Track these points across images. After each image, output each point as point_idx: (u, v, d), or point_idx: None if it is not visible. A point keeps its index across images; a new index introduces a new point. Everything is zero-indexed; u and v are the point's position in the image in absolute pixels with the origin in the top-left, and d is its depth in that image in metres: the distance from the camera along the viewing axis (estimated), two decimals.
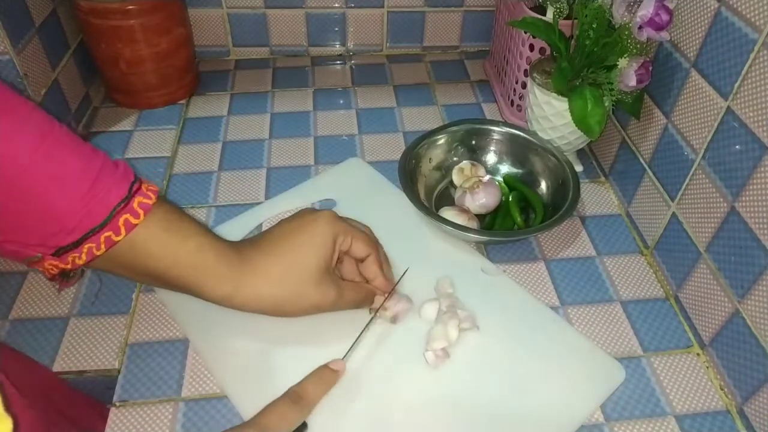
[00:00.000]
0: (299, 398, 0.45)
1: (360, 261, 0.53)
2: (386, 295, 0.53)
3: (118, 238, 0.44)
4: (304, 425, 0.46)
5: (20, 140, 0.41)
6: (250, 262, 0.48)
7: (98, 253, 0.44)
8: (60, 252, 0.43)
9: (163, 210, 0.46)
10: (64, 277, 0.46)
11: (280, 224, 0.51)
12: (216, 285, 0.47)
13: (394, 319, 0.54)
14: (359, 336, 0.51)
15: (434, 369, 0.51)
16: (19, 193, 0.41)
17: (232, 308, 0.48)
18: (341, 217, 0.52)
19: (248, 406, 0.47)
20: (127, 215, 0.44)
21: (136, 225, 0.44)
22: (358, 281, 0.54)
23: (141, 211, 0.44)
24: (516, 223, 0.63)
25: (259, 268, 0.48)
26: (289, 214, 0.53)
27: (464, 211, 0.62)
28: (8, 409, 0.32)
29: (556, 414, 0.48)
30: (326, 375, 0.48)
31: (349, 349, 0.50)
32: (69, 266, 0.45)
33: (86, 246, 0.43)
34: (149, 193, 0.45)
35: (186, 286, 0.47)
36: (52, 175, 0.42)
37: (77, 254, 0.43)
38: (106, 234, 0.43)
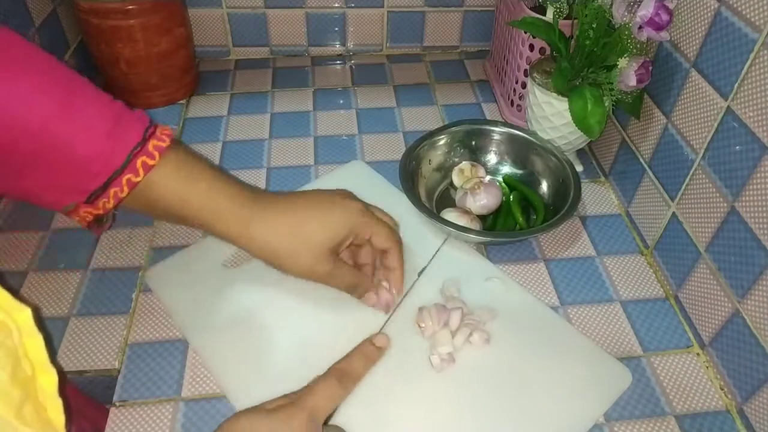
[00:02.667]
0: (344, 376, 0.46)
1: (382, 252, 0.54)
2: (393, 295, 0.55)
3: (138, 179, 0.46)
4: None
5: (46, 94, 0.43)
6: (262, 211, 0.49)
7: (123, 196, 0.46)
8: (92, 197, 0.45)
9: (178, 152, 0.48)
10: (98, 223, 0.48)
11: (311, 191, 0.53)
12: (224, 226, 0.48)
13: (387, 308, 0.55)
14: (392, 313, 0.54)
15: (439, 373, 0.50)
16: (48, 140, 0.43)
17: (239, 246, 0.50)
18: (369, 210, 0.53)
19: (247, 405, 0.48)
20: (144, 157, 0.46)
21: (153, 166, 0.46)
22: (359, 266, 0.55)
23: (156, 153, 0.46)
24: (518, 223, 0.63)
25: (268, 218, 0.49)
26: None
27: (466, 212, 0.62)
28: (53, 361, 0.33)
29: (562, 418, 0.48)
30: (371, 352, 0.49)
31: (384, 324, 0.53)
32: (101, 211, 0.47)
33: (112, 190, 0.45)
34: (163, 136, 0.47)
35: (200, 224, 0.49)
36: (77, 123, 0.44)
37: (106, 199, 0.46)
38: (127, 176, 0.45)
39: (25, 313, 0.32)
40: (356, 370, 0.48)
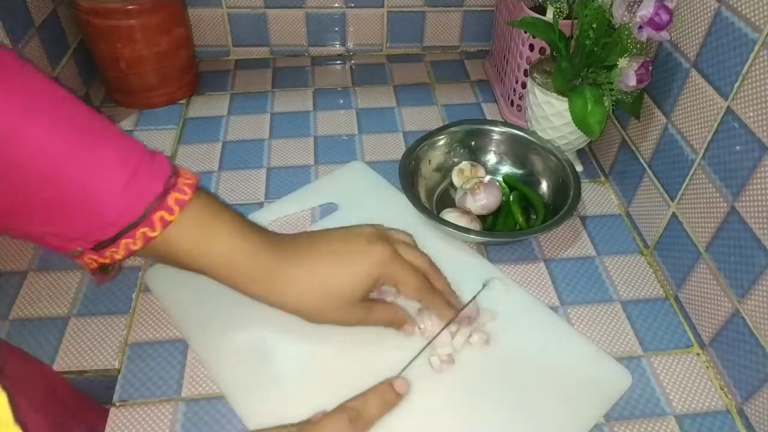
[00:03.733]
0: (358, 418, 0.42)
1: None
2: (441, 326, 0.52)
3: (154, 234, 0.44)
4: None
5: (62, 135, 0.41)
6: (283, 270, 0.47)
7: (135, 249, 0.44)
8: (99, 246, 0.44)
9: (199, 206, 0.46)
10: (103, 271, 0.47)
11: (333, 235, 0.50)
12: (246, 285, 0.48)
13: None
14: (414, 358, 0.50)
15: (438, 374, 0.50)
16: (61, 186, 0.41)
17: (264, 303, 0.49)
18: (398, 254, 0.49)
19: (246, 407, 0.48)
20: (163, 212, 0.44)
21: (171, 222, 0.44)
22: (390, 302, 0.53)
23: (176, 207, 0.44)
24: (518, 223, 0.63)
25: (289, 277, 0.47)
26: (290, 218, 0.52)
27: (466, 212, 0.62)
28: (17, 419, 0.32)
29: (561, 420, 0.48)
30: (389, 396, 0.45)
31: (404, 368, 0.49)
32: (107, 261, 0.45)
33: (123, 241, 0.43)
34: (185, 188, 0.45)
35: (220, 281, 0.48)
36: (92, 169, 0.42)
37: (115, 249, 0.44)
38: (143, 230, 0.43)
39: None
40: (371, 414, 0.43)
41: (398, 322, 0.52)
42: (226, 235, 0.46)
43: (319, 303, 0.48)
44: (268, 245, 0.48)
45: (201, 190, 0.47)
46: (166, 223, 0.44)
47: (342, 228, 0.52)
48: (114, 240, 0.43)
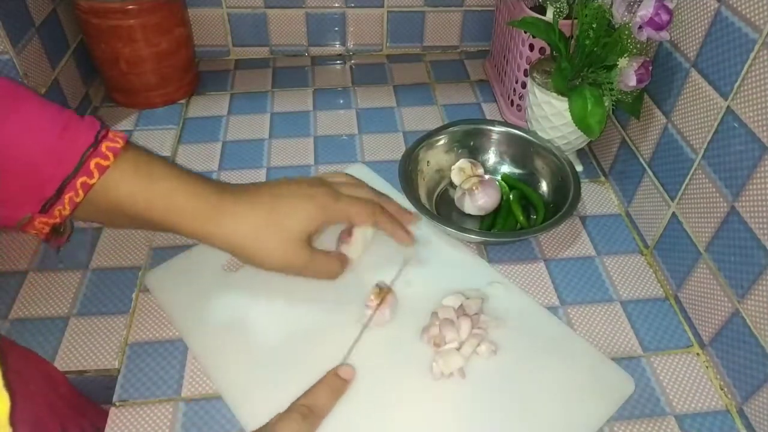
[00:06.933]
0: (309, 412, 0.43)
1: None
2: (377, 301, 0.53)
3: (93, 181, 0.45)
4: None
5: None
6: (232, 204, 0.49)
7: (78, 200, 0.45)
8: (46, 206, 0.44)
9: (133, 153, 0.47)
10: (56, 234, 0.47)
11: (277, 183, 0.52)
12: (189, 223, 0.48)
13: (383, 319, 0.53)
14: (358, 337, 0.51)
15: (440, 381, 0.50)
16: None
17: (210, 243, 0.49)
18: (341, 193, 0.52)
19: (244, 408, 0.48)
20: (98, 159, 0.45)
21: (107, 167, 0.45)
22: (332, 252, 0.55)
23: (110, 154, 0.45)
24: (519, 222, 0.63)
25: (238, 212, 0.49)
26: None
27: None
28: (7, 385, 0.32)
29: (564, 427, 0.47)
30: (336, 384, 0.47)
31: (348, 353, 0.50)
32: (57, 220, 0.45)
33: (67, 195, 0.44)
34: (117, 139, 0.46)
35: (166, 226, 0.48)
36: (22, 128, 0.43)
37: (61, 206, 0.45)
38: (81, 180, 0.44)
39: None
40: (322, 405, 0.45)
41: (342, 267, 0.54)
42: (165, 176, 0.48)
43: (265, 237, 0.49)
44: (209, 185, 0.49)
45: (135, 144, 0.48)
46: (102, 169, 0.45)
47: (285, 178, 0.54)
48: (58, 195, 0.44)
